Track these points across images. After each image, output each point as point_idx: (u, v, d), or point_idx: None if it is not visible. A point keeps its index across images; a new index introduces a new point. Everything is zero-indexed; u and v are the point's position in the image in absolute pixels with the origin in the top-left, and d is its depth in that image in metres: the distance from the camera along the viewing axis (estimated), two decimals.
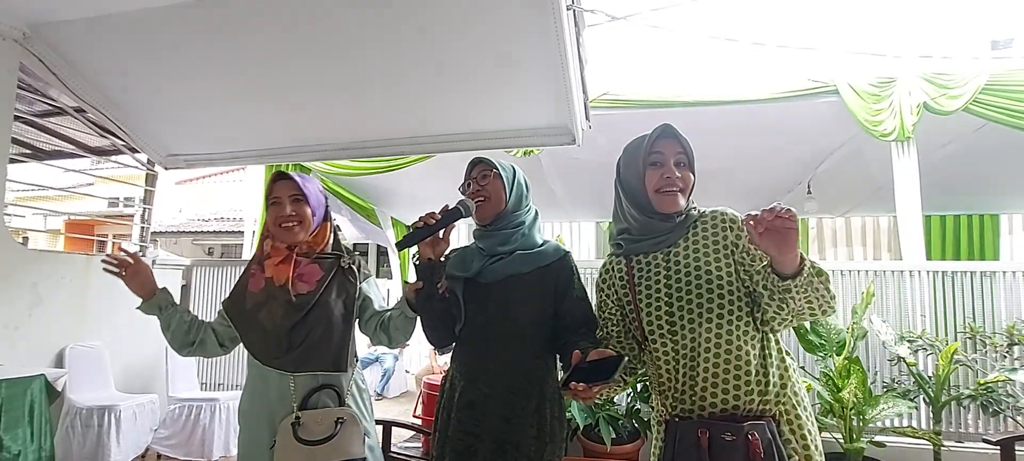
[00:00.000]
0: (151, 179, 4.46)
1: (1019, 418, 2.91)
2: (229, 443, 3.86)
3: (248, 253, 4.99)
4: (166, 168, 3.32)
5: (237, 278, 1.58)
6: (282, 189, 1.49)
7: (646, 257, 1.26)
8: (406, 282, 1.48)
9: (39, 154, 4.68)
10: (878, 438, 2.85)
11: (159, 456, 3.76)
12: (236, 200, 10.60)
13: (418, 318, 1.45)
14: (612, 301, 1.32)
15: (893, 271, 3.26)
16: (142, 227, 4.44)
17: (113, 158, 4.59)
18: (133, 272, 1.48)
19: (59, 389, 2.98)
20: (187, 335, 1.51)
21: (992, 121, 3.44)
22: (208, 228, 10.61)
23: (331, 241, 1.58)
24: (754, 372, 1.14)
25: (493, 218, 1.46)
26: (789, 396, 1.17)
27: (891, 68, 3.76)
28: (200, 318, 1.55)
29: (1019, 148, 3.94)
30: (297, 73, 2.56)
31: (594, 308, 1.41)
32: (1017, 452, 2.30)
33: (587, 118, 2.69)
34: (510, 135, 2.82)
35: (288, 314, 1.44)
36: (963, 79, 3.50)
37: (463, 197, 1.42)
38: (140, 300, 1.51)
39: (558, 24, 2.03)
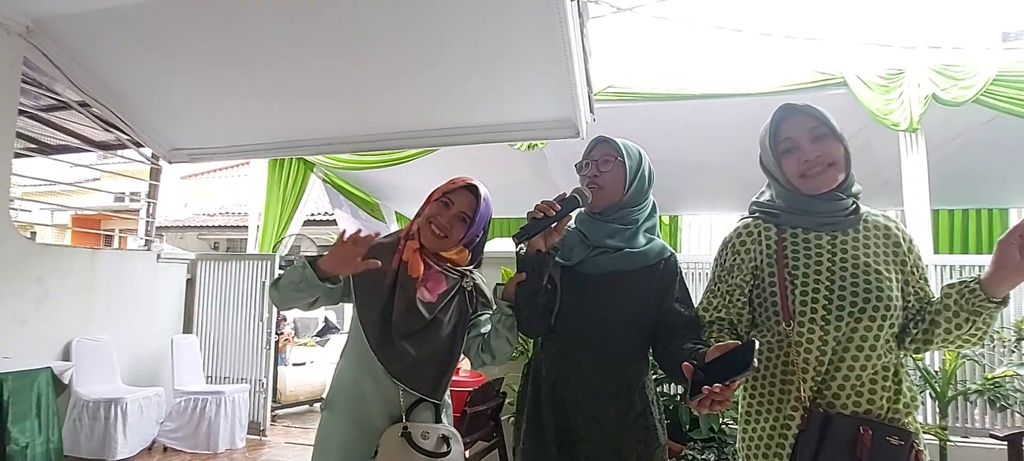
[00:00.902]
0: (155, 173, 4.48)
1: None
2: (235, 436, 3.89)
3: (252, 248, 5.00)
4: (170, 162, 3.32)
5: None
6: (461, 199, 1.40)
7: (806, 233, 1.16)
8: (497, 284, 1.39)
9: (45, 149, 4.70)
10: None
11: (165, 448, 3.80)
12: (241, 195, 10.63)
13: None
14: (748, 267, 1.20)
15: None
16: (148, 221, 4.46)
17: (118, 152, 4.61)
18: (357, 252, 1.24)
19: (66, 382, 3.01)
20: (308, 304, 1.36)
21: (1003, 112, 3.39)
22: (213, 222, 10.65)
23: (465, 265, 1.46)
24: (890, 382, 1.11)
25: (604, 208, 1.33)
26: (914, 413, 1.14)
27: (900, 60, 3.72)
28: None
29: None
30: (300, 67, 2.55)
31: (715, 273, 1.29)
32: None
33: (591, 111, 2.67)
34: (514, 128, 2.80)
35: (409, 315, 1.33)
36: (973, 70, 3.46)
37: (580, 186, 1.32)
38: (325, 268, 1.28)
39: (562, 16, 2.01)
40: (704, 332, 1.24)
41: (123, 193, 10.05)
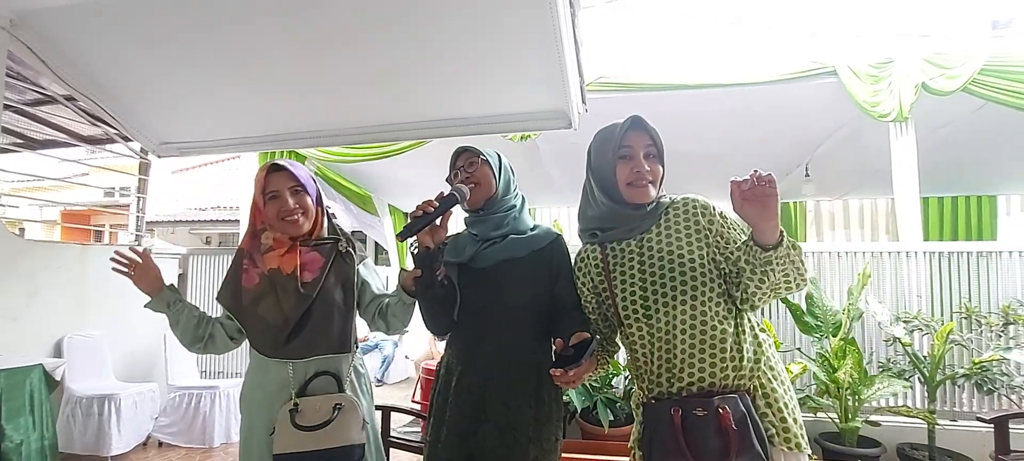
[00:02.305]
0: (145, 168, 4.44)
1: (1013, 396, 2.94)
2: (230, 430, 3.89)
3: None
4: (160, 156, 3.28)
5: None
6: (280, 181, 1.47)
7: (619, 244, 1.29)
8: (404, 270, 1.49)
9: (31, 144, 4.64)
10: (873, 417, 2.87)
11: (161, 443, 3.79)
12: (232, 189, 10.55)
13: (416, 304, 1.45)
14: (588, 289, 1.35)
15: (890, 252, 3.27)
16: (137, 216, 4.42)
17: (107, 147, 4.56)
18: (141, 270, 1.48)
19: (58, 378, 2.99)
20: (196, 331, 1.49)
21: (991, 101, 3.42)
22: (205, 217, 10.58)
23: (326, 226, 1.57)
24: (729, 349, 1.17)
25: (484, 203, 1.47)
26: (764, 370, 1.20)
27: (892, 48, 3.73)
28: (208, 315, 1.54)
29: (1017, 129, 3.94)
30: (290, 59, 2.53)
31: None
32: (1011, 430, 2.33)
33: (583, 102, 2.67)
34: (506, 119, 2.79)
35: (298, 303, 1.42)
36: (962, 59, 3.48)
37: (456, 185, 1.42)
38: (148, 297, 1.50)
39: (553, 6, 2.00)
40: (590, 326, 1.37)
41: (113, 188, 9.95)
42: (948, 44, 3.70)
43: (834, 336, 2.90)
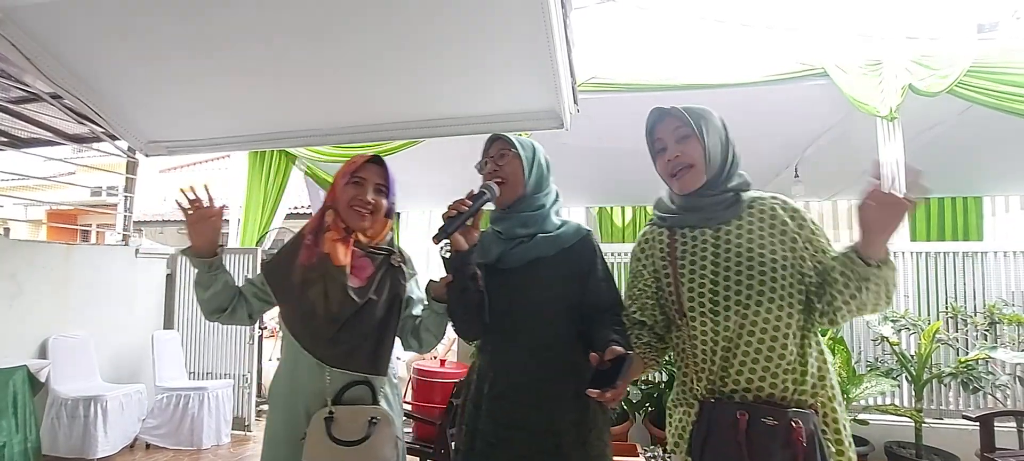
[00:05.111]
0: (132, 167, 4.38)
1: (998, 395, 2.98)
2: (219, 431, 3.85)
3: (234, 242, 4.92)
4: (147, 155, 3.23)
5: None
6: (370, 173, 1.42)
7: (692, 231, 1.21)
8: (431, 280, 1.41)
9: (16, 142, 4.57)
10: (861, 416, 2.90)
11: (148, 446, 3.75)
12: (221, 188, 10.44)
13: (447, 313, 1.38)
14: (649, 273, 1.27)
15: None
16: (125, 216, 4.36)
17: (94, 146, 4.49)
18: (204, 216, 1.34)
19: (42, 380, 2.95)
20: (228, 301, 1.40)
21: (977, 103, 3.46)
22: None
23: (387, 238, 1.49)
24: (793, 360, 1.11)
25: (512, 201, 1.38)
26: (827, 389, 1.14)
27: (878, 50, 3.78)
28: (238, 286, 1.44)
29: (1002, 131, 3.98)
30: (281, 58, 2.50)
31: (628, 280, 1.35)
32: (996, 428, 2.36)
33: (575, 102, 2.67)
34: (497, 119, 2.78)
35: (343, 304, 1.34)
36: (949, 61, 3.52)
37: (486, 182, 1.35)
38: (194, 248, 1.37)
39: (545, 6, 2.00)
40: (630, 332, 1.29)
41: (100, 187, 9.82)
42: (935, 46, 3.74)
43: (823, 335, 2.92)
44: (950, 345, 3.06)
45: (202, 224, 1.35)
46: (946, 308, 3.17)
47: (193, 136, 3.21)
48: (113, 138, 3.93)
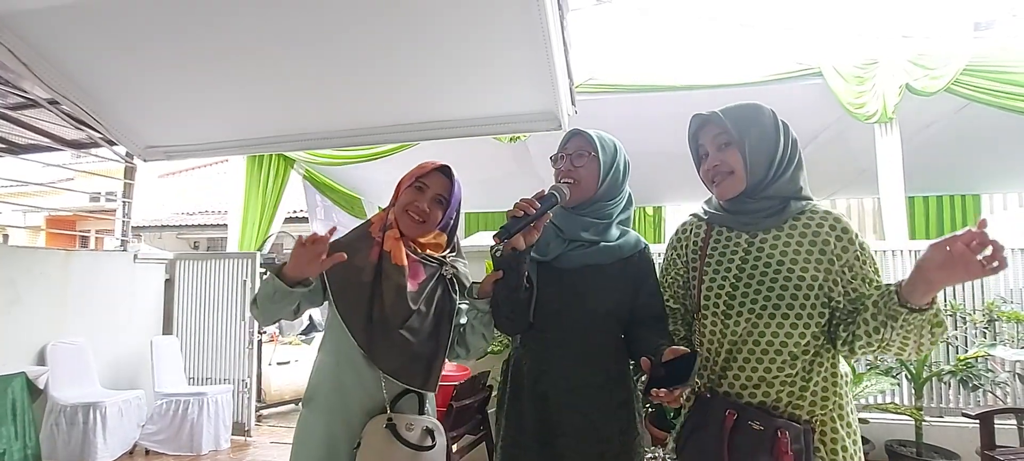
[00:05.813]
0: (130, 172, 4.38)
1: (997, 392, 2.98)
2: (218, 437, 3.84)
3: (233, 246, 4.92)
4: (145, 160, 3.24)
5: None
6: (435, 182, 1.39)
7: (729, 232, 1.20)
8: (474, 283, 1.38)
9: (13, 148, 4.56)
10: (862, 415, 2.90)
11: (148, 452, 3.74)
12: (220, 193, 10.44)
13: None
14: (681, 262, 1.27)
15: (876, 251, 3.29)
16: (123, 221, 4.36)
17: (92, 151, 4.49)
18: (316, 255, 1.23)
19: (41, 387, 2.94)
20: (289, 314, 1.34)
21: (974, 101, 3.48)
22: (192, 221, 10.45)
23: (441, 251, 1.45)
24: (795, 375, 1.09)
25: (579, 202, 1.34)
26: (830, 409, 1.11)
27: (875, 49, 3.79)
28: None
29: (1000, 129, 4.00)
30: (278, 62, 2.51)
31: (662, 267, 1.34)
32: (996, 425, 2.36)
33: (573, 103, 2.67)
34: (496, 121, 2.79)
35: (399, 303, 1.30)
36: (945, 60, 3.53)
37: (557, 183, 1.31)
38: (288, 272, 1.26)
39: (541, 8, 2.00)
40: (668, 320, 1.29)
41: (98, 193, 9.81)
42: (931, 45, 3.75)
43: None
44: (949, 343, 3.06)
45: (313, 264, 1.25)
46: (945, 306, 3.17)
47: (191, 141, 3.21)
48: (111, 143, 3.93)
